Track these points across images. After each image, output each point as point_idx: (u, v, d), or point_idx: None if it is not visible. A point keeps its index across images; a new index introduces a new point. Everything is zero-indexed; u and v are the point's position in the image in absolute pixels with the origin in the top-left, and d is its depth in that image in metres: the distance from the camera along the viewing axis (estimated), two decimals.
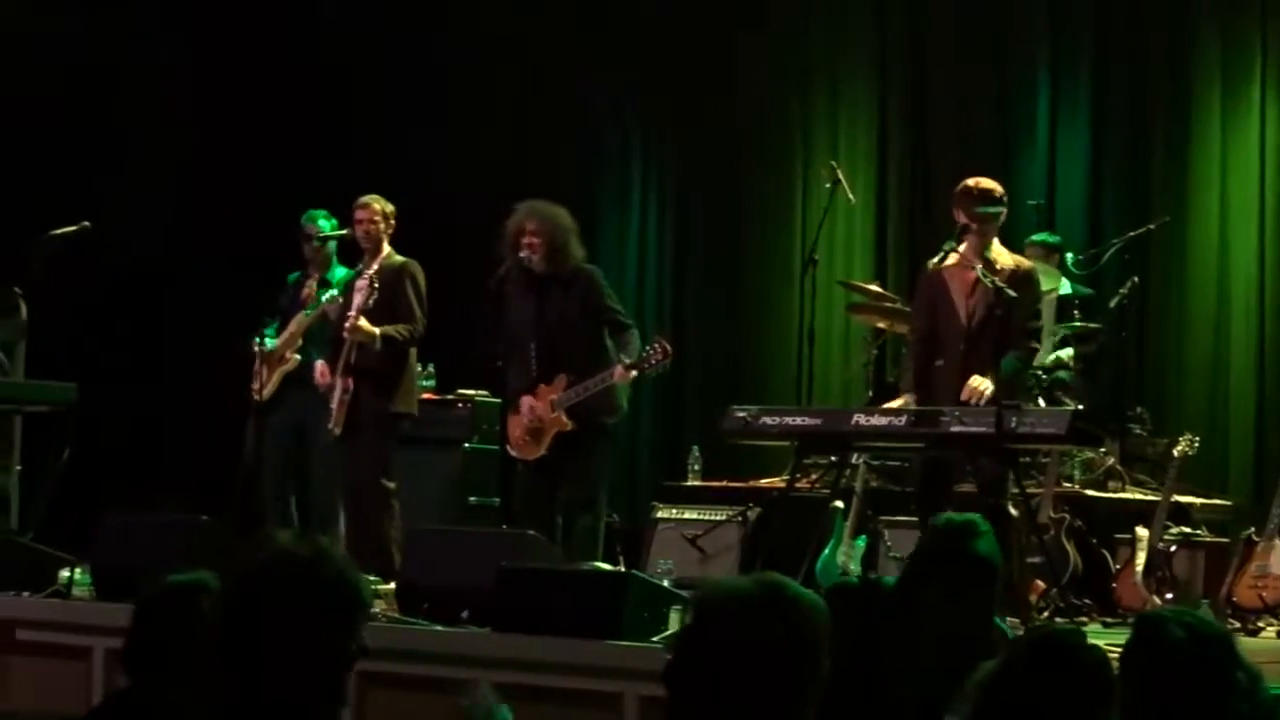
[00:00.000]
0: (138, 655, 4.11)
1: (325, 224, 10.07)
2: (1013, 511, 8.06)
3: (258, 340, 10.03)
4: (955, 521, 4.70)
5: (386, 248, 9.72)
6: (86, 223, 10.13)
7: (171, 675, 3.92)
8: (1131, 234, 10.88)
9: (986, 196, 8.15)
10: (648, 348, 8.86)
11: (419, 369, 10.07)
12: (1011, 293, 7.84)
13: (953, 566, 4.44)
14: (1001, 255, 8.19)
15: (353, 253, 9.91)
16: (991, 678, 3.25)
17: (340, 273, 10.02)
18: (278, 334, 10.03)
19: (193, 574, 4.08)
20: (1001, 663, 3.29)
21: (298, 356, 9.88)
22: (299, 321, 9.93)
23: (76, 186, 11.70)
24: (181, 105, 12.88)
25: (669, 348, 8.78)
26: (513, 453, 9.12)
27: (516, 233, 9.12)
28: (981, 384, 7.91)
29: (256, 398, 10.00)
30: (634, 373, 8.86)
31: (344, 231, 9.85)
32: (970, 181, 8.28)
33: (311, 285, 10.03)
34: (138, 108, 12.76)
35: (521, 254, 9.06)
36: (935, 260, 8.27)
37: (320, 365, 9.63)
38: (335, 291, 9.83)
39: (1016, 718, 3.23)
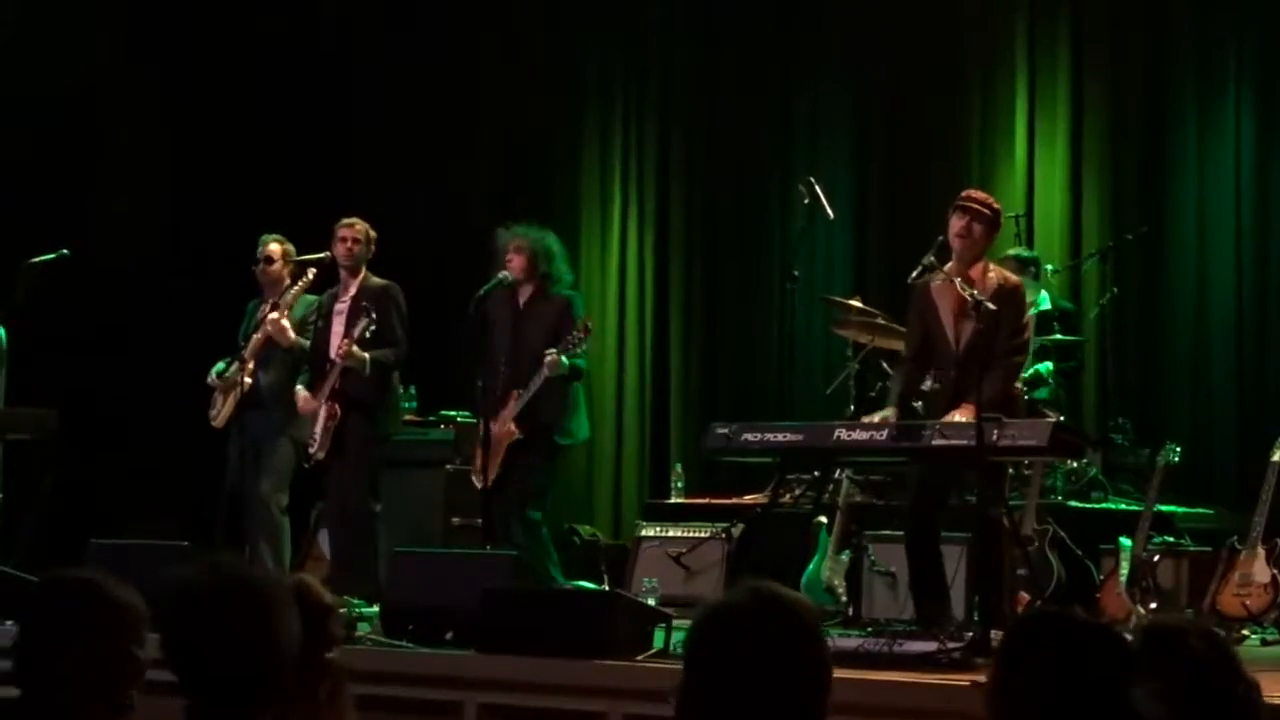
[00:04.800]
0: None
1: (276, 247, 10.06)
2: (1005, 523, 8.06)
3: (214, 371, 10.07)
4: None
5: (364, 271, 9.75)
6: (65, 250, 10.15)
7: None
8: (1110, 245, 10.92)
9: (981, 203, 8.11)
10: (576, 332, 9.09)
11: (400, 391, 10.09)
12: (991, 305, 7.83)
13: None
14: (990, 270, 8.12)
15: (326, 277, 9.93)
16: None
17: (306, 300, 9.99)
18: (233, 363, 10.01)
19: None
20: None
21: (248, 380, 9.87)
22: (252, 344, 9.93)
23: (56, 214, 11.70)
24: (162, 131, 12.88)
25: (590, 327, 9.15)
26: (476, 483, 9.26)
27: (502, 251, 9.33)
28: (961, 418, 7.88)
29: (212, 424, 10.02)
30: (563, 357, 9.03)
31: (323, 255, 9.85)
32: (966, 191, 8.24)
33: (265, 308, 10.02)
34: (118, 135, 12.75)
35: (503, 272, 9.22)
36: (914, 274, 8.26)
37: (300, 392, 9.65)
38: (274, 315, 9.83)
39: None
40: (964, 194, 8.22)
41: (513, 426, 9.16)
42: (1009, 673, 3.30)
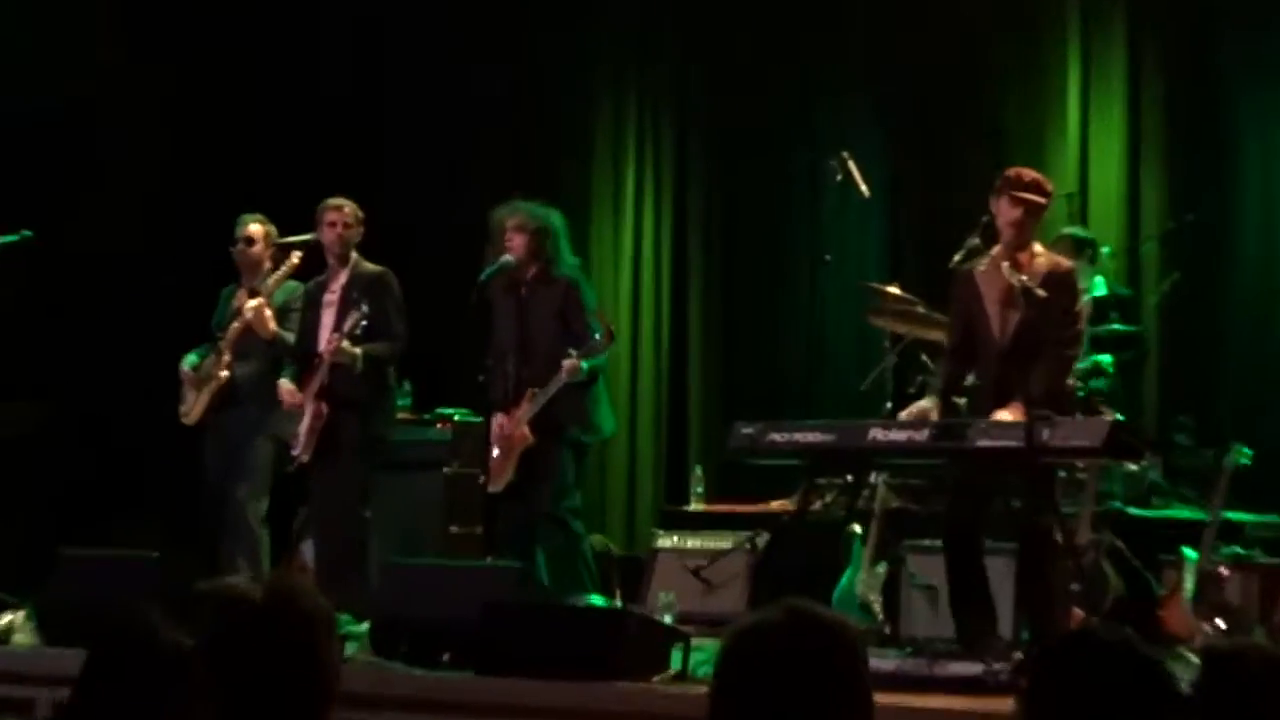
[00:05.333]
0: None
1: (256, 227, 10.05)
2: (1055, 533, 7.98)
3: (186, 363, 10.00)
4: None
5: (354, 255, 9.68)
6: (28, 231, 10.08)
7: None
8: (1172, 226, 10.83)
9: (1035, 188, 8.05)
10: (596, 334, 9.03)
11: (396, 390, 10.01)
12: (1041, 292, 7.73)
13: None
14: (1039, 254, 8.08)
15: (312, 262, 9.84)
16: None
17: (288, 287, 9.91)
18: (208, 355, 9.97)
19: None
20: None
21: (224, 373, 9.81)
22: (229, 334, 9.88)
23: (33, 197, 11.62)
24: (153, 116, 12.84)
25: (611, 330, 9.12)
26: (489, 487, 9.25)
27: (499, 230, 9.24)
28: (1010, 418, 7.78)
29: (184, 421, 9.96)
30: (583, 362, 9.01)
31: (308, 236, 9.79)
32: (1013, 172, 8.18)
33: (242, 295, 9.97)
34: (108, 131, 12.70)
35: (505, 256, 9.17)
36: (958, 258, 8.19)
37: (285, 384, 9.54)
38: (255, 302, 9.75)
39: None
40: (1013, 175, 8.15)
41: (527, 430, 9.14)
42: (1039, 700, 3.20)
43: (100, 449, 12.15)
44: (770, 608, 3.16)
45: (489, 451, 9.28)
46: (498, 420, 9.24)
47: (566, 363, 9.00)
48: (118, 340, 12.31)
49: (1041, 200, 8.02)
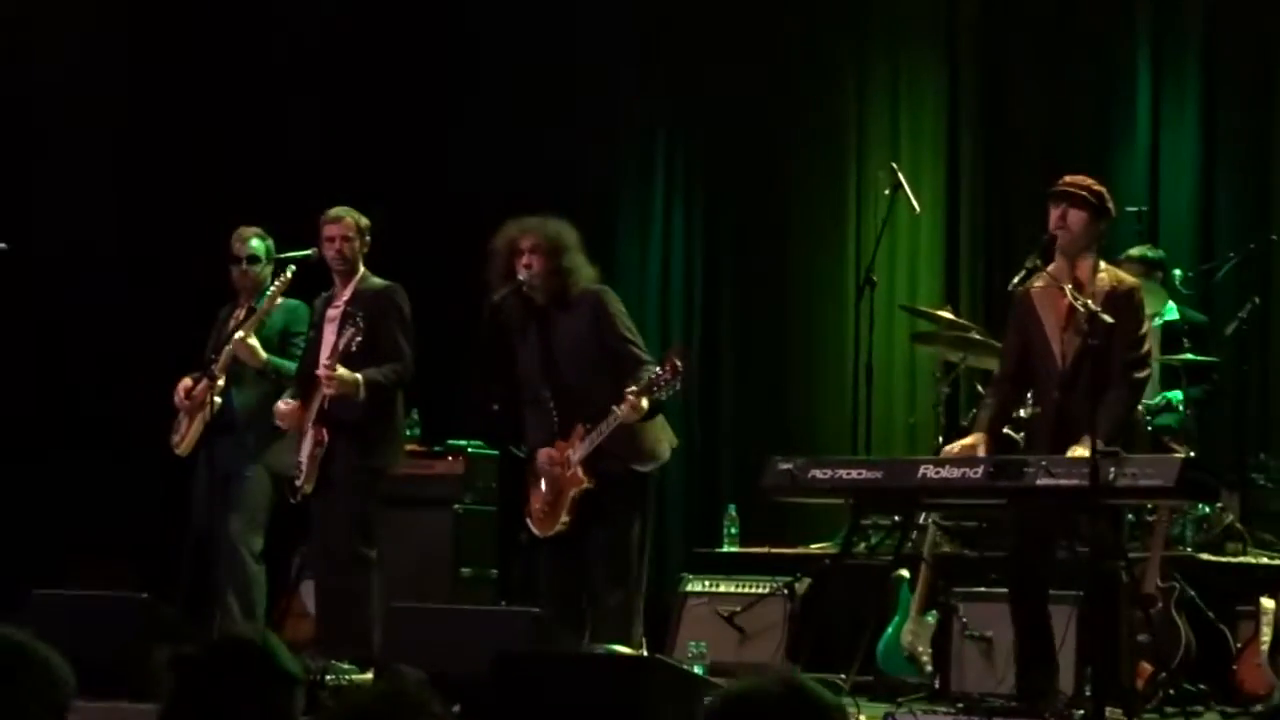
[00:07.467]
0: None
1: (258, 243, 10.02)
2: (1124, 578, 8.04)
3: (182, 388, 10.00)
4: None
5: (362, 269, 9.67)
6: (3, 244, 10.15)
7: None
8: (1251, 247, 10.87)
9: (1078, 188, 8.10)
10: (656, 367, 8.60)
11: (403, 416, 10.01)
12: (1107, 318, 7.78)
13: None
14: (1100, 270, 8.11)
15: (319, 278, 9.87)
16: None
17: (287, 305, 9.95)
18: (201, 380, 9.92)
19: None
20: None
21: (217, 399, 9.82)
22: (223, 358, 9.86)
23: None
24: (115, 110, 12.89)
25: (679, 363, 8.49)
26: (535, 531, 8.95)
27: (509, 253, 8.93)
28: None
29: (176, 451, 9.96)
30: (645, 401, 8.56)
31: (308, 252, 9.73)
32: (1070, 180, 8.21)
33: (239, 315, 9.97)
34: (64, 114, 12.76)
35: (520, 277, 8.88)
36: (1017, 280, 8.22)
37: (282, 404, 9.55)
38: (240, 334, 9.75)
39: None
40: (1060, 180, 8.21)
41: (581, 473, 8.80)
42: None
43: (68, 483, 12.21)
44: (764, 676, 3.21)
45: (533, 492, 8.97)
46: (543, 455, 8.87)
47: (627, 404, 8.51)
48: (86, 361, 12.40)
49: (1084, 195, 8.04)
